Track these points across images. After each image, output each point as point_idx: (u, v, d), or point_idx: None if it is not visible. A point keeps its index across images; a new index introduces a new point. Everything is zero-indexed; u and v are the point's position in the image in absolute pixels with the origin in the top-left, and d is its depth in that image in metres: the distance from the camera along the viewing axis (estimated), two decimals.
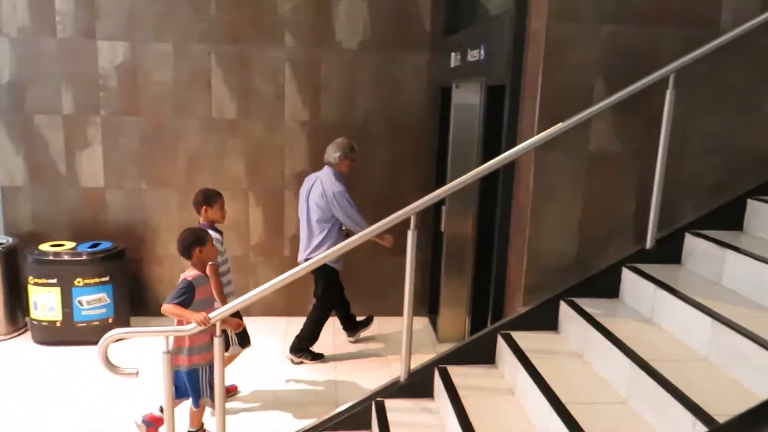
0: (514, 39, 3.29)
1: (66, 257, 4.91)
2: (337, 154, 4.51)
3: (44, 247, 4.98)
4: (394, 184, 5.41)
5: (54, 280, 4.87)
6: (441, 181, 5.22)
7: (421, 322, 5.69)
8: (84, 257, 4.94)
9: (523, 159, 3.30)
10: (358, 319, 5.19)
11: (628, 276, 3.19)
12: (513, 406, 2.87)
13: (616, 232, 3.31)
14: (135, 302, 5.45)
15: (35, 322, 4.97)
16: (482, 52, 3.88)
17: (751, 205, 3.17)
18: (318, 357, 4.80)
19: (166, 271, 5.57)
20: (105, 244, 5.12)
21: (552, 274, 3.33)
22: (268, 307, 5.55)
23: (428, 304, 5.74)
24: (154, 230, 5.48)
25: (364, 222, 4.41)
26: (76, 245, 5.06)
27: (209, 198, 3.95)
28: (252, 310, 5.39)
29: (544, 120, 3.12)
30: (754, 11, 2.99)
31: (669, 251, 3.22)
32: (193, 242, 3.40)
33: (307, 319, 4.81)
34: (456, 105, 4.76)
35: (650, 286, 2.95)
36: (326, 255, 3.27)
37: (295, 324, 5.14)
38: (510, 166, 3.46)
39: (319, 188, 4.51)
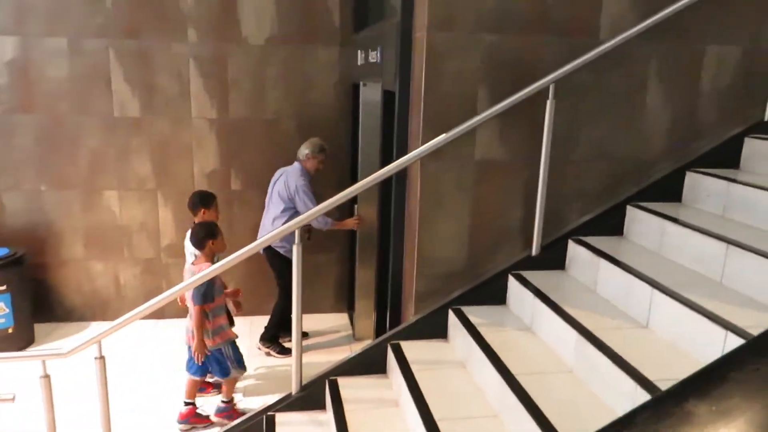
0: (401, 46, 3.23)
1: None
2: (306, 152, 4.69)
3: None
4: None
5: None
6: (356, 178, 5.18)
7: (343, 319, 5.69)
8: None
9: (411, 167, 3.28)
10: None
11: (513, 283, 3.23)
12: (396, 419, 2.88)
13: (505, 239, 3.34)
14: (40, 308, 5.25)
15: None
16: (379, 54, 3.82)
17: (631, 211, 3.24)
18: (286, 351, 4.82)
19: (72, 275, 5.37)
20: (1, 251, 4.87)
21: (443, 282, 3.34)
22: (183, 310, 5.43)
23: (348, 301, 5.73)
24: (56, 233, 5.25)
25: (322, 216, 4.41)
26: None
27: (207, 201, 4.17)
28: (166, 312, 5.27)
29: (428, 129, 3.10)
30: (632, 20, 3.03)
31: (553, 258, 3.28)
32: (205, 236, 3.79)
33: (273, 309, 4.90)
34: (364, 103, 4.71)
35: (529, 295, 3.00)
36: (260, 242, 3.22)
37: None
38: (402, 173, 3.43)
39: (284, 180, 4.66)
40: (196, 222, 4.09)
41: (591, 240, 3.19)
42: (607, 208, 3.32)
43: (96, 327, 5.30)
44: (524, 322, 3.07)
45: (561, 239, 3.31)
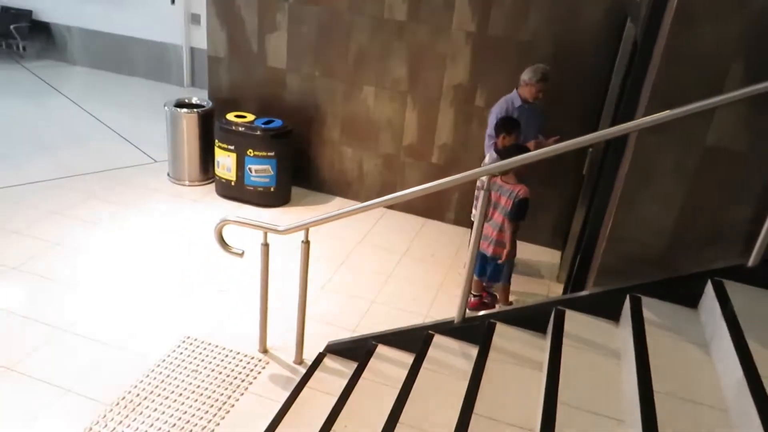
0: None
1: (242, 129, 5.70)
2: (525, 77, 4.54)
3: (230, 116, 5.82)
4: (547, 112, 5.08)
5: (232, 147, 5.75)
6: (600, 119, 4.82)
7: (554, 257, 5.60)
8: (257, 132, 5.68)
9: (630, 134, 2.97)
10: None
11: (709, 290, 2.83)
12: (531, 383, 2.87)
13: (718, 239, 2.90)
14: (300, 175, 6.21)
15: (217, 177, 6.00)
16: None
17: None
18: None
19: (327, 154, 6.16)
20: (277, 123, 5.79)
21: (631, 263, 3.09)
22: (408, 205, 5.93)
23: (563, 241, 5.57)
24: (321, 115, 6.01)
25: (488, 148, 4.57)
26: (254, 120, 5.81)
27: (510, 128, 4.39)
28: (396, 205, 5.87)
29: (656, 98, 2.74)
30: None
31: None
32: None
33: None
34: (624, 42, 4.22)
35: (718, 309, 2.62)
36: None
37: (430, 225, 5.79)
38: (622, 138, 3.12)
39: None
40: (499, 145, 4.36)
41: None
42: None
43: (338, 202, 6.13)
44: (705, 336, 2.72)
45: None
